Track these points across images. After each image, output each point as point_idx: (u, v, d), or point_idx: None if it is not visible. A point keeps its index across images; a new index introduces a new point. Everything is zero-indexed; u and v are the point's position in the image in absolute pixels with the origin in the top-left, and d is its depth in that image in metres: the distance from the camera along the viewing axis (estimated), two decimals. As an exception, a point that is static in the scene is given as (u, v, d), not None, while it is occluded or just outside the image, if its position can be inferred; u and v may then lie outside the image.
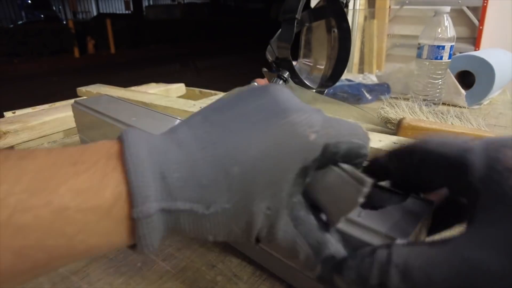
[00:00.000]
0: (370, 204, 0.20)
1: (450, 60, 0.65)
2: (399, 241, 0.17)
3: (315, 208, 0.18)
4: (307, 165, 0.17)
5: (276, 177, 0.16)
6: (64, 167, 0.15)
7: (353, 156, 0.19)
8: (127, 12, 14.08)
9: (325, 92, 0.72)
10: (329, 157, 0.18)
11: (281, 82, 0.59)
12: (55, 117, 0.59)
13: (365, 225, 0.19)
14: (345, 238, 0.19)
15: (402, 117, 0.52)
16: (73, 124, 0.50)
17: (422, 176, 0.19)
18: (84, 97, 0.67)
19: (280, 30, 0.59)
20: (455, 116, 0.53)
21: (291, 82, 0.59)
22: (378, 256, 0.16)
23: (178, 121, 0.38)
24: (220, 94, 0.89)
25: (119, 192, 0.15)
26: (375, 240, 0.18)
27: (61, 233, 0.14)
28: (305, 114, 0.17)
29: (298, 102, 0.18)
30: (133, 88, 0.91)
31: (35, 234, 0.14)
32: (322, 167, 0.18)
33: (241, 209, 0.16)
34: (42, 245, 0.14)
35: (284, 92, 0.19)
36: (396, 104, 0.57)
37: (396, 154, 0.20)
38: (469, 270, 0.14)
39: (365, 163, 0.20)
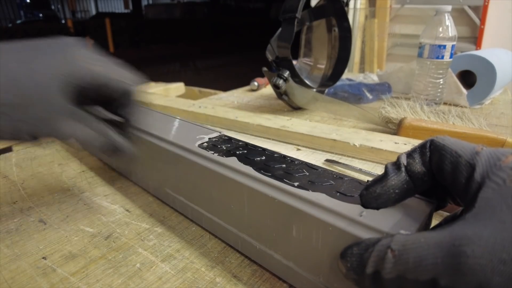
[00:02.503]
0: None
1: (451, 59, 0.64)
2: (403, 231, 0.17)
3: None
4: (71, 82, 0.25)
5: (48, 90, 0.24)
6: None
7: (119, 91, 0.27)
8: (126, 11, 14.06)
9: (325, 91, 0.72)
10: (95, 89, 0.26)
11: (281, 81, 0.58)
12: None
13: (367, 224, 0.19)
14: (347, 237, 0.19)
15: (403, 116, 0.52)
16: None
17: (434, 168, 0.19)
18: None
19: (280, 29, 0.59)
20: (457, 115, 0.53)
21: (291, 81, 0.59)
22: (379, 243, 0.17)
23: (177, 120, 0.38)
24: (220, 94, 0.88)
25: None
26: None
27: None
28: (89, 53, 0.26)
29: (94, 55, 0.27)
30: (132, 87, 0.90)
31: None
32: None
33: (23, 109, 0.23)
34: None
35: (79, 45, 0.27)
36: (397, 104, 0.56)
37: (419, 148, 0.20)
38: (456, 249, 0.14)
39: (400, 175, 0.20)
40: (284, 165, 0.27)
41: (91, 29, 7.21)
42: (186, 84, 0.99)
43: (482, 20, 1.18)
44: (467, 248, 0.14)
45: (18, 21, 10.97)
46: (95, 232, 0.31)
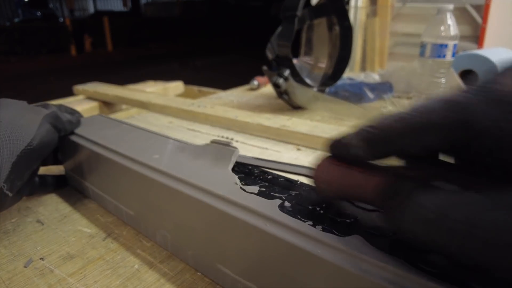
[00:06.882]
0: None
1: (453, 58, 0.64)
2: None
3: None
4: None
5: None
6: None
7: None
8: (124, 9, 14.03)
9: (326, 90, 0.71)
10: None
11: (281, 80, 0.58)
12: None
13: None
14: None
15: (404, 116, 0.51)
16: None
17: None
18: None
19: (280, 27, 0.59)
20: (458, 115, 0.53)
21: (291, 80, 0.59)
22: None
23: (171, 141, 0.32)
24: (219, 93, 0.88)
25: None
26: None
27: None
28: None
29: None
30: (130, 86, 0.90)
31: None
32: None
33: None
34: None
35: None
36: (398, 103, 0.56)
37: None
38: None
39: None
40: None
41: (89, 27, 7.18)
42: (185, 83, 0.99)
43: (484, 19, 1.17)
44: None
45: (16, 20, 10.93)
46: (93, 232, 0.31)
